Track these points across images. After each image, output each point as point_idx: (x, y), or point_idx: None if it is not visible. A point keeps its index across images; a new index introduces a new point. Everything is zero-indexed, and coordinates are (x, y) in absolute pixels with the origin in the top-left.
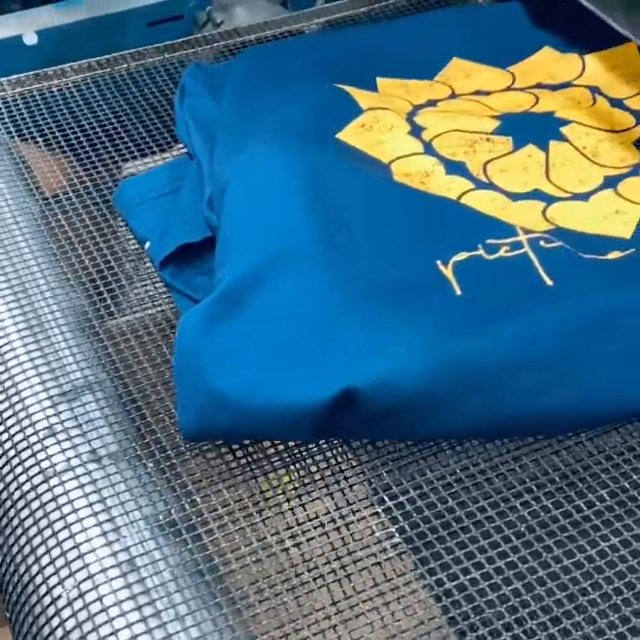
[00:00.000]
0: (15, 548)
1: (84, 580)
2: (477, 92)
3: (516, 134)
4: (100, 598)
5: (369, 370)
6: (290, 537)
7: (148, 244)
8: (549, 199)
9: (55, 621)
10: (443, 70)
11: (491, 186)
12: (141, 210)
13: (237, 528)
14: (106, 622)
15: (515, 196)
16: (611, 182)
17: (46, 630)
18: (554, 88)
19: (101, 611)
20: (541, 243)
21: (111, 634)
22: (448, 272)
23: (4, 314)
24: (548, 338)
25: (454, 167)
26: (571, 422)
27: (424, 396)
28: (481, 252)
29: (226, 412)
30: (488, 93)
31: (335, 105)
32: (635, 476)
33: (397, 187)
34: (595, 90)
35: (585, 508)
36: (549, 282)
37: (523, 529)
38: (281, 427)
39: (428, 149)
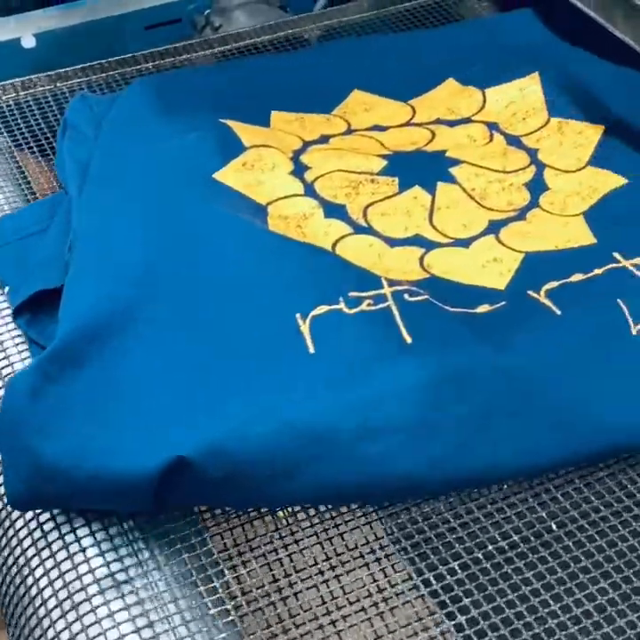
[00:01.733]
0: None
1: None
2: (374, 128)
3: (403, 175)
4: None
5: (202, 436)
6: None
7: (6, 289)
8: (429, 245)
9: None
10: (343, 103)
11: (370, 230)
12: (5, 251)
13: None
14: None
15: (393, 242)
16: (494, 227)
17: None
18: (452, 124)
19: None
20: (406, 296)
21: None
22: (305, 327)
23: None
24: (400, 400)
25: (334, 210)
26: (421, 489)
27: (263, 463)
28: (342, 305)
29: (53, 480)
30: (385, 129)
31: (216, 142)
32: (490, 546)
33: (266, 235)
34: (493, 126)
35: (434, 582)
36: (408, 339)
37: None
38: (113, 496)
39: (309, 191)
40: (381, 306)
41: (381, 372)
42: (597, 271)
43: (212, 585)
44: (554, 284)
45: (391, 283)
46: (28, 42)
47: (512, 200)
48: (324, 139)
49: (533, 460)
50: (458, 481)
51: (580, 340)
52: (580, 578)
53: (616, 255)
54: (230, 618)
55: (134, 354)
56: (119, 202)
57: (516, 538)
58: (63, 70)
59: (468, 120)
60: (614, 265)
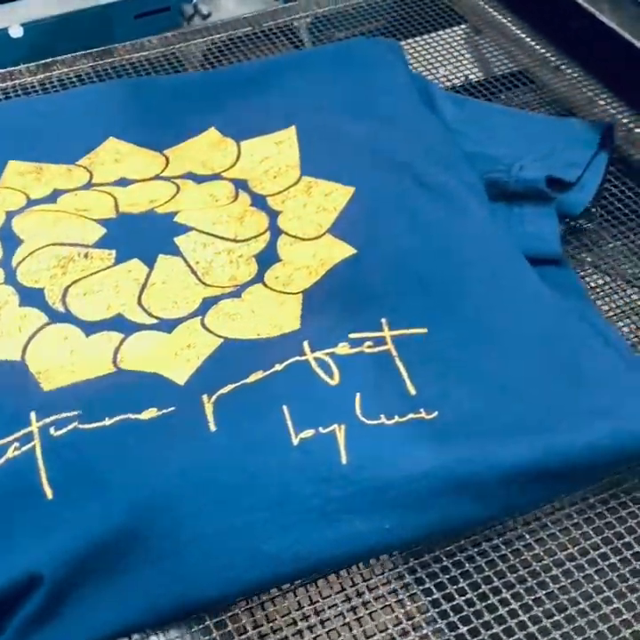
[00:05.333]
0: None
1: None
2: (119, 181)
3: (122, 246)
4: None
5: None
6: None
7: None
8: (130, 329)
9: None
10: (95, 150)
11: (67, 316)
12: None
13: None
14: None
15: (91, 328)
16: (206, 306)
17: None
18: (201, 180)
19: None
20: (51, 431)
21: None
22: None
23: None
24: (33, 568)
25: (31, 296)
26: None
27: None
28: None
29: None
30: (130, 183)
31: None
32: None
33: None
34: (240, 184)
35: None
36: (49, 493)
37: None
38: None
39: (10, 277)
40: (26, 448)
41: (18, 541)
42: (278, 367)
43: None
44: (230, 387)
45: (42, 411)
46: (16, 31)
47: (236, 274)
48: (56, 194)
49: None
50: None
51: (228, 464)
52: None
53: (305, 345)
54: None
55: None
56: None
57: None
58: (51, 60)
59: (217, 176)
60: (298, 358)
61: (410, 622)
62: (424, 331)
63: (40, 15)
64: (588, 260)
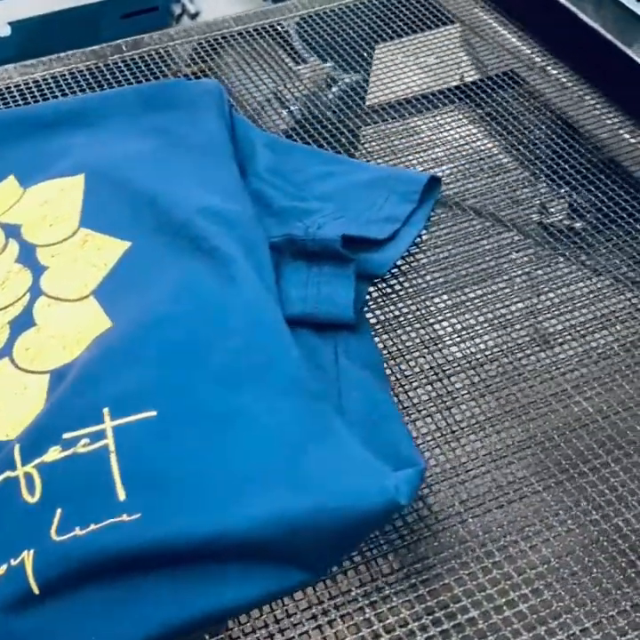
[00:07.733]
0: None
1: None
2: None
3: None
4: None
5: None
6: None
7: None
8: None
9: None
10: None
11: None
12: None
13: None
14: None
15: None
16: None
17: None
18: None
19: None
20: None
21: None
22: None
23: None
24: None
25: None
26: None
27: None
28: None
29: None
30: None
31: None
32: None
33: None
34: (13, 230)
35: None
36: None
37: None
38: None
39: None
40: None
41: None
42: None
43: None
44: None
45: None
46: (3, 30)
47: None
48: None
49: None
50: None
51: None
52: None
53: (16, 455)
54: None
55: None
56: None
57: None
58: (39, 60)
59: None
60: (9, 474)
61: None
62: (153, 414)
63: (27, 14)
64: (582, 260)
